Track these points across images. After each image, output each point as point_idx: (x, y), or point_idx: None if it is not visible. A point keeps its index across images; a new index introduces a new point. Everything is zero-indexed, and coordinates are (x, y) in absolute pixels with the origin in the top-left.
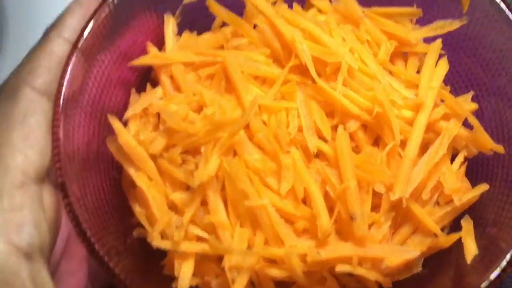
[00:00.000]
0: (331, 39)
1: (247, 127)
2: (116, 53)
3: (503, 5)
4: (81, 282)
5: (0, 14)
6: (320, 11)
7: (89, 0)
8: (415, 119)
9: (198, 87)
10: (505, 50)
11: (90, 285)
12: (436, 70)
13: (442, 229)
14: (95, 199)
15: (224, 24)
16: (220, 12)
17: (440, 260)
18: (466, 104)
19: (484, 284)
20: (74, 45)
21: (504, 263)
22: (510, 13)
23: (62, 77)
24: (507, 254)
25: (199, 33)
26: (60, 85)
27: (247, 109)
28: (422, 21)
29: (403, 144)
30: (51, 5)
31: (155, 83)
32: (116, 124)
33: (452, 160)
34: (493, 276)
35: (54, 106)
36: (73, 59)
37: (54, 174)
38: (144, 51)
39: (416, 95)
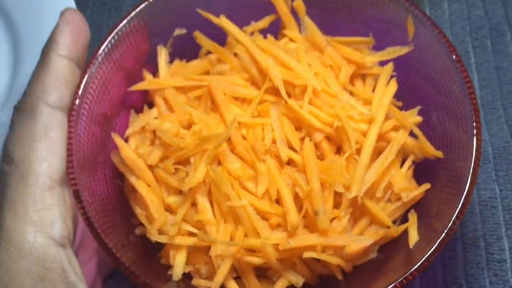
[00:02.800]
0: (298, 65)
1: (229, 140)
2: (119, 76)
3: (439, 34)
4: (92, 270)
5: (14, 35)
6: (291, 40)
7: (73, 18)
8: (368, 131)
9: (188, 108)
10: (443, 71)
11: (98, 274)
12: (387, 89)
13: (395, 222)
14: (103, 204)
15: (209, 52)
16: (206, 43)
17: (392, 246)
18: (413, 117)
19: (421, 260)
20: (87, 67)
21: (438, 241)
22: (444, 40)
23: (74, 97)
24: (440, 236)
25: (188, 60)
26: (73, 104)
27: (229, 126)
28: (378, 47)
29: (359, 151)
30: None
31: (150, 105)
32: (119, 140)
33: (403, 162)
34: (428, 253)
35: (68, 125)
36: (84, 83)
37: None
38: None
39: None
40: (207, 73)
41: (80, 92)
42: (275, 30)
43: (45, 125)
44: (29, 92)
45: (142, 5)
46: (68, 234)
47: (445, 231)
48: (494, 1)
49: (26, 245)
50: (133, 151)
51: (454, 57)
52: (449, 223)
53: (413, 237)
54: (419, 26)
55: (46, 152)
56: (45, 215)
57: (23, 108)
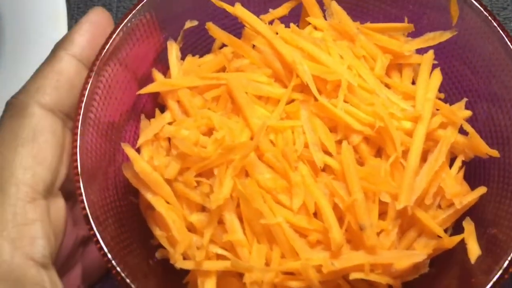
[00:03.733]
0: (329, 58)
1: (256, 147)
2: (127, 77)
3: (489, 16)
4: (75, 279)
5: None
6: (316, 28)
7: (98, 18)
8: (415, 131)
9: (206, 112)
10: (494, 58)
11: (81, 283)
12: (430, 82)
13: (446, 231)
14: (117, 227)
15: (224, 45)
16: (220, 35)
17: (446, 259)
18: (461, 111)
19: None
20: (90, 71)
21: (506, 263)
22: (496, 24)
23: (79, 104)
24: (508, 256)
25: (201, 55)
26: (78, 113)
27: (257, 133)
28: (413, 33)
29: (405, 154)
30: (49, 18)
31: (162, 108)
32: (130, 151)
33: (451, 162)
34: (495, 277)
35: (73, 137)
36: (89, 87)
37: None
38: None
39: (413, 106)
40: (224, 69)
41: (85, 98)
42: (296, 17)
43: (34, 128)
44: (25, 88)
45: None
46: (50, 253)
47: None
48: None
49: (2, 266)
50: (147, 163)
51: (508, 41)
52: None
53: (474, 250)
54: (464, 8)
55: (32, 159)
56: (26, 231)
57: (13, 105)
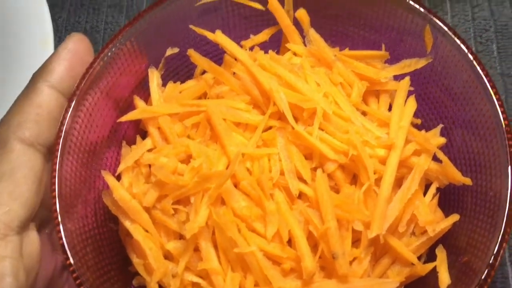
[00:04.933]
0: (306, 86)
1: (232, 175)
2: (108, 105)
3: (461, 45)
4: None
5: None
6: (295, 54)
7: (76, 45)
8: (387, 159)
9: (184, 140)
10: (468, 86)
11: None
12: (405, 109)
13: (420, 258)
14: (96, 254)
15: (204, 71)
16: (201, 62)
17: (420, 286)
18: (435, 139)
19: None
20: (70, 100)
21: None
22: (468, 52)
23: (58, 134)
24: (475, 282)
25: (183, 81)
26: (57, 143)
27: (232, 162)
28: (391, 59)
29: (379, 181)
30: (36, 40)
31: (144, 133)
32: (110, 179)
33: (427, 188)
34: None
35: (52, 167)
36: (68, 117)
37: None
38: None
39: (388, 133)
40: (204, 95)
41: (64, 127)
42: (277, 43)
43: (13, 164)
44: (4, 121)
45: (130, 27)
46: None
47: (484, 275)
48: (500, 0)
49: None
50: (126, 190)
51: (479, 70)
52: (486, 265)
53: (444, 279)
54: (438, 36)
55: (8, 195)
56: None
57: None
